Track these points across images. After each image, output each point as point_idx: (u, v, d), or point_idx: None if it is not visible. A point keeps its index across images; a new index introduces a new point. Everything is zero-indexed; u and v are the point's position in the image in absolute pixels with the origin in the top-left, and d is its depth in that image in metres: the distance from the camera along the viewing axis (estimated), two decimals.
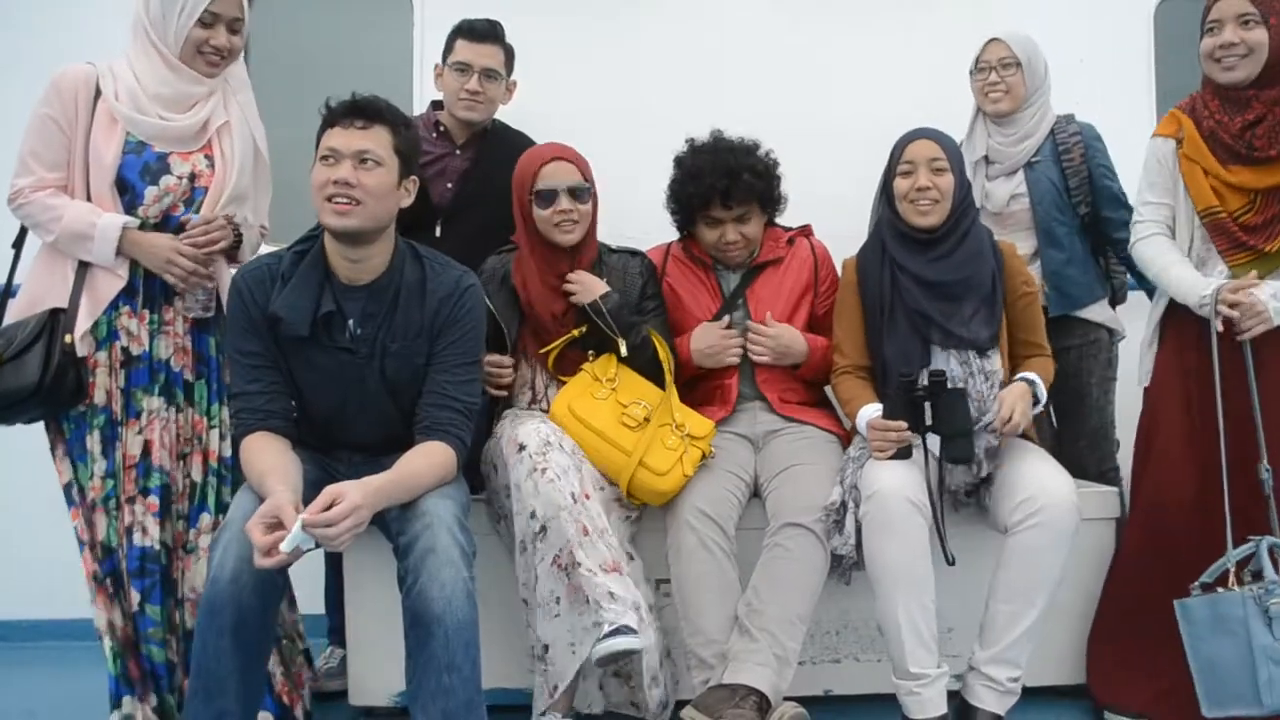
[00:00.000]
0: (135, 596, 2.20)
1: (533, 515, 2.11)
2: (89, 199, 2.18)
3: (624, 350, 2.38)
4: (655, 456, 2.29)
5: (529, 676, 2.25)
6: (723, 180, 2.51)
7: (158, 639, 2.21)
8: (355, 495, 1.86)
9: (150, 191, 2.20)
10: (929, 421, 2.24)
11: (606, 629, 2.02)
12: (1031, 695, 2.43)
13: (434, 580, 1.88)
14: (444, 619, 1.86)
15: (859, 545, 2.24)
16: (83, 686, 2.57)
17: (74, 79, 2.19)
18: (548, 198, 2.39)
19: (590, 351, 2.44)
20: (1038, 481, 2.24)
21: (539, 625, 2.14)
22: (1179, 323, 2.41)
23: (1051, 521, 2.20)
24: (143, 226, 2.20)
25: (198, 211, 2.24)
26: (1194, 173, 2.35)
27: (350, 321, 2.09)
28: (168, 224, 2.23)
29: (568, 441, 2.24)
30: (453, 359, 2.12)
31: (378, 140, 2.03)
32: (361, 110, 2.03)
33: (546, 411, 2.40)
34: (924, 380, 2.26)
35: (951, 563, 2.21)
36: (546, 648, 2.13)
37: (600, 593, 2.05)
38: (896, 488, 2.19)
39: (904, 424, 2.23)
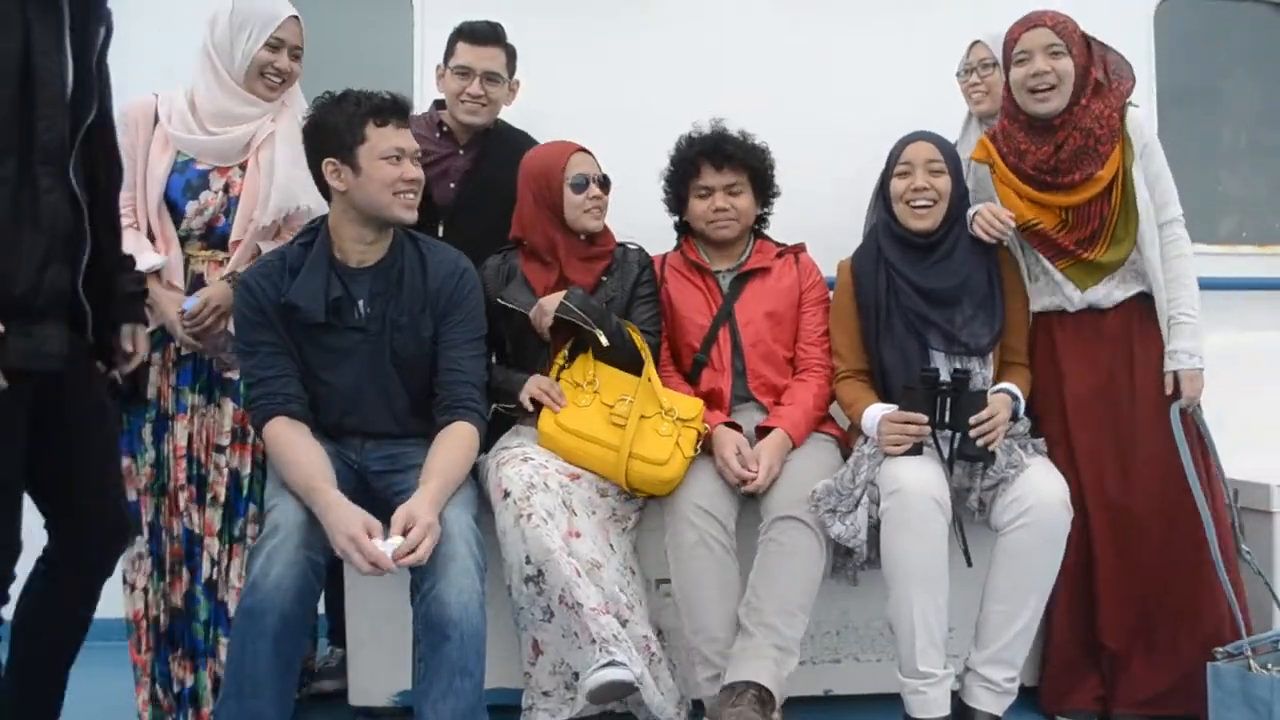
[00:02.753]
0: (186, 577, 2.37)
1: (527, 560, 2.11)
2: (148, 215, 2.36)
3: (604, 340, 2.36)
4: (648, 446, 2.29)
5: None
6: (714, 140, 2.60)
7: (199, 617, 2.37)
8: (426, 515, 1.95)
9: (191, 206, 2.35)
10: (947, 419, 2.24)
11: (602, 660, 2.03)
12: (1029, 695, 2.43)
13: (452, 586, 1.93)
14: (460, 624, 1.91)
15: (873, 542, 2.23)
16: (82, 686, 2.56)
17: (137, 109, 2.38)
18: (581, 184, 2.47)
19: (563, 354, 2.44)
20: (1029, 482, 2.24)
21: (567, 655, 2.16)
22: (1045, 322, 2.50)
23: (1040, 522, 2.20)
24: (189, 238, 2.37)
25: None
26: (1007, 195, 2.46)
27: (360, 302, 2.17)
28: (213, 234, 2.38)
29: (553, 477, 2.23)
30: (461, 337, 2.22)
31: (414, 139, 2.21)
32: (405, 110, 2.18)
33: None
34: (945, 376, 2.26)
35: (970, 564, 2.22)
36: (577, 675, 2.14)
37: (607, 634, 2.06)
38: (920, 485, 2.19)
39: (924, 417, 2.23)
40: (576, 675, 2.15)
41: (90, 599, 1.98)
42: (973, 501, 2.29)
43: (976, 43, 2.80)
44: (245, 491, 2.39)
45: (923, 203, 2.40)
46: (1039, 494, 2.22)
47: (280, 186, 2.35)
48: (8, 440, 1.74)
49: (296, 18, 2.45)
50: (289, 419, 2.12)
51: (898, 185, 2.43)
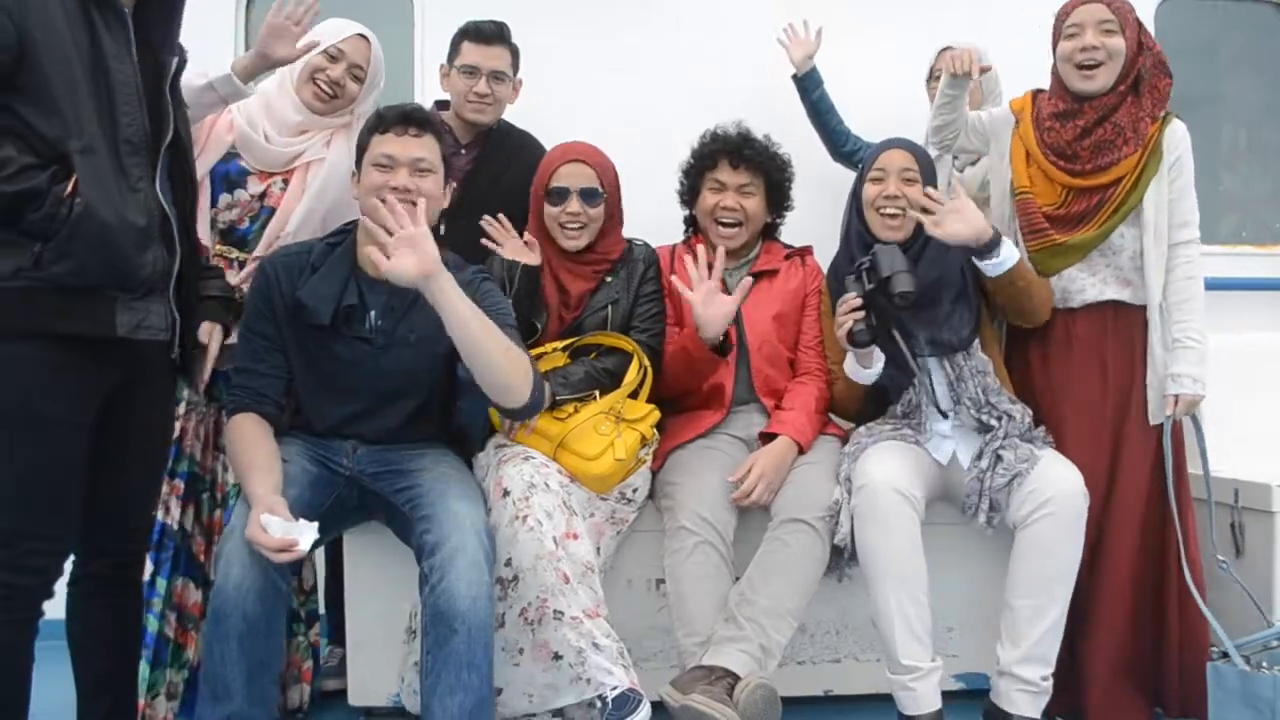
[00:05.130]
0: (149, 568, 2.31)
1: (507, 563, 2.08)
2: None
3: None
4: (584, 442, 2.27)
5: None
6: (737, 140, 2.58)
7: (157, 610, 2.33)
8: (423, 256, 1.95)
9: (223, 198, 2.39)
10: (869, 284, 2.27)
11: (609, 693, 1.98)
12: None
13: (461, 579, 1.92)
14: (468, 617, 1.90)
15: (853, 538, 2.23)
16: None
17: (214, 119, 2.39)
18: (559, 196, 2.43)
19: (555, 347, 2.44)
20: (1044, 474, 2.24)
21: (498, 670, 2.10)
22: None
23: (1061, 511, 2.20)
24: (212, 228, 2.38)
25: (263, 229, 2.38)
26: (1019, 152, 2.44)
27: (372, 313, 2.16)
28: (233, 233, 2.40)
29: (554, 477, 2.20)
30: (489, 308, 2.10)
31: (429, 148, 2.15)
32: (414, 119, 2.13)
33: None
34: (864, 264, 2.31)
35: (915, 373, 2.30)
36: (500, 690, 2.12)
37: (585, 643, 2.03)
38: (886, 479, 2.20)
39: (854, 295, 2.27)
40: (499, 690, 2.12)
41: (133, 609, 2.07)
42: (984, 504, 2.28)
43: (946, 49, 2.78)
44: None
45: (892, 210, 2.38)
46: (1057, 484, 2.22)
47: (307, 213, 2.38)
48: (78, 422, 1.79)
49: (365, 38, 2.47)
50: (258, 417, 2.13)
51: (870, 190, 2.41)
